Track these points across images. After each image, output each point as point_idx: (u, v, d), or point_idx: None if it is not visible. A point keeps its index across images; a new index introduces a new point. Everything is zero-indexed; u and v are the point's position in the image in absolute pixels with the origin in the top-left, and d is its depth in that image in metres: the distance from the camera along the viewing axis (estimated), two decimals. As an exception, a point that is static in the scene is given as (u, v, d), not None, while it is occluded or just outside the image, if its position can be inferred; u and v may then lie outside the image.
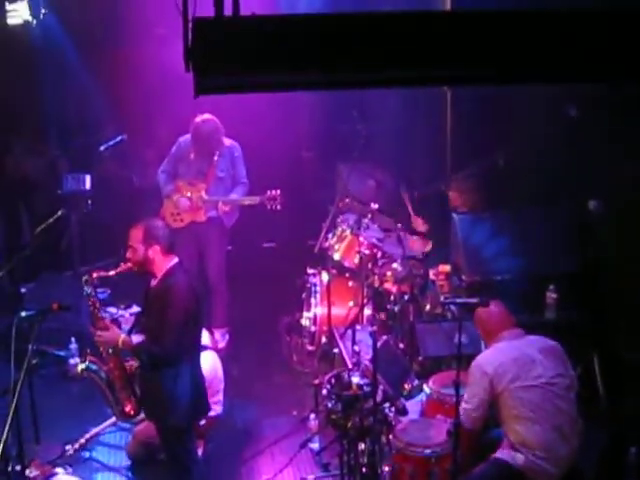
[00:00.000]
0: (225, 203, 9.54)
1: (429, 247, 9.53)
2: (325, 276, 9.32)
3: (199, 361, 6.78)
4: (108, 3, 11.97)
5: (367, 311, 9.03)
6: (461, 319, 6.25)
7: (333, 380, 7.09)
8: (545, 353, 6.29)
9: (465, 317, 6.46)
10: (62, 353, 9.46)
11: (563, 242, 8.49)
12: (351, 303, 9.26)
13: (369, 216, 9.63)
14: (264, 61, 3.86)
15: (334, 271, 9.57)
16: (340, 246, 9.51)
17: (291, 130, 12.69)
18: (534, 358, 6.22)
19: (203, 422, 7.31)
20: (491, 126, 9.46)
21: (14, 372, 5.95)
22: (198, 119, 9.42)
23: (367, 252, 9.26)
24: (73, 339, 9.42)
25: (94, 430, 8.18)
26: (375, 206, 9.67)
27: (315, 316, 9.33)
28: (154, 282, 6.61)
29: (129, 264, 6.62)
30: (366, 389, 6.77)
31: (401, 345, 8.69)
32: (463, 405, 6.21)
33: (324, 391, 7.33)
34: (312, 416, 8.03)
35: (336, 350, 8.51)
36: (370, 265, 9.28)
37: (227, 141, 9.66)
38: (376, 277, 9.25)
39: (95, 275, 6.74)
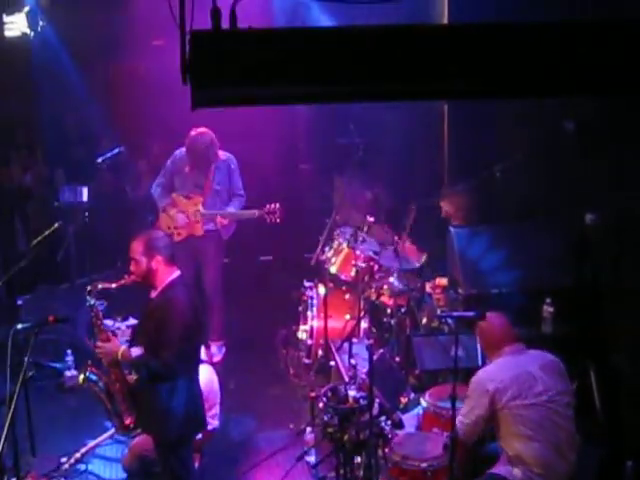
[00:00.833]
0: (224, 217, 9.53)
1: (424, 258, 9.53)
2: (322, 289, 9.32)
3: (197, 376, 6.76)
4: (105, 16, 12.01)
5: (364, 324, 9.03)
6: (458, 332, 6.24)
7: (329, 393, 7.07)
8: (545, 370, 6.26)
9: (462, 330, 6.45)
10: (58, 365, 9.45)
11: (560, 255, 8.48)
12: (348, 316, 9.26)
13: (365, 229, 9.64)
14: (261, 74, 3.86)
15: (331, 284, 9.59)
16: (337, 259, 9.52)
17: (288, 143, 12.73)
18: (535, 375, 6.19)
19: (199, 435, 7.29)
20: (488, 139, 9.47)
21: (10, 384, 5.94)
22: (193, 133, 9.42)
23: (364, 265, 9.29)
24: (69, 351, 9.41)
25: (90, 444, 8.17)
26: (371, 219, 9.67)
27: (312, 329, 9.32)
28: (154, 294, 6.60)
29: (133, 276, 6.61)
30: (362, 402, 6.77)
31: (397, 358, 8.68)
32: (460, 419, 6.20)
33: (320, 404, 7.33)
34: (308, 429, 8.00)
35: (332, 363, 8.50)
36: (367, 278, 9.30)
37: (223, 154, 9.66)
38: (373, 290, 9.27)
39: (100, 286, 6.74)
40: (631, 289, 7.73)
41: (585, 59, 3.99)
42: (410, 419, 7.37)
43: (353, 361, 7.49)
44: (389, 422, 6.94)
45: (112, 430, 7.91)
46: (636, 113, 7.14)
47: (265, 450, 8.24)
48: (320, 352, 9.21)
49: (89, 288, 6.74)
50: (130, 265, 6.60)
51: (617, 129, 7.73)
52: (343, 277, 9.51)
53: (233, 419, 8.71)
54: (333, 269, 9.49)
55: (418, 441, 6.75)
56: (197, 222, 9.57)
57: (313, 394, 8.11)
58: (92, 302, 6.72)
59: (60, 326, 8.09)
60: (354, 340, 8.20)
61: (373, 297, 9.26)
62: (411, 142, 11.69)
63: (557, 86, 4.18)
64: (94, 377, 6.81)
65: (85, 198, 11.50)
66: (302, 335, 9.56)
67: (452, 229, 8.79)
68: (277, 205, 9.40)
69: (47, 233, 8.76)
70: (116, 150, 12.01)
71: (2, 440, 5.61)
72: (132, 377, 6.75)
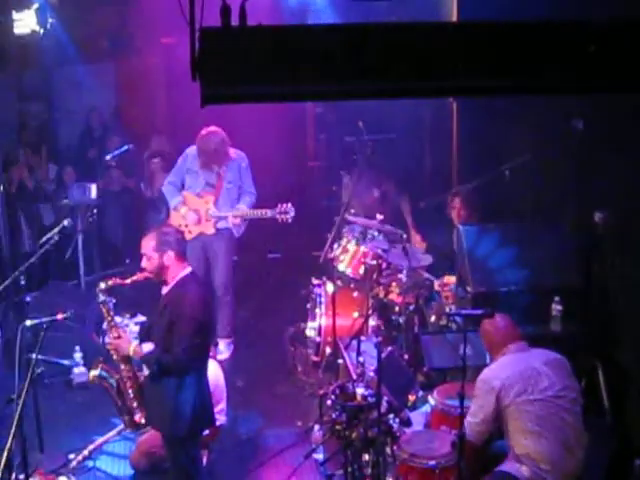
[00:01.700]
0: (236, 216, 9.52)
1: (429, 261, 9.51)
2: (330, 287, 9.30)
3: (206, 372, 6.77)
4: (115, 13, 12.03)
5: (372, 322, 9.02)
6: (466, 330, 6.23)
7: (337, 391, 7.08)
8: (550, 366, 6.26)
9: (470, 328, 6.44)
10: (66, 362, 9.45)
11: (569, 254, 8.47)
12: (356, 314, 9.25)
13: (374, 227, 9.62)
14: (271, 71, 3.86)
15: (339, 282, 9.57)
16: (345, 257, 9.50)
17: (297, 140, 12.73)
18: (540, 371, 6.19)
19: (207, 432, 7.30)
20: (497, 137, 9.46)
21: (18, 381, 5.95)
22: (205, 131, 9.40)
23: (372, 263, 9.27)
24: (78, 348, 9.43)
25: (98, 441, 8.18)
26: (380, 217, 9.66)
27: (320, 327, 9.32)
28: (165, 290, 6.61)
29: (145, 273, 6.62)
30: (370, 400, 6.77)
31: (406, 356, 8.67)
32: (468, 419, 6.19)
33: (328, 402, 7.33)
34: (316, 427, 8.00)
35: (341, 361, 8.49)
36: (375, 276, 9.28)
37: (234, 152, 9.64)
38: (381, 288, 9.25)
39: (111, 283, 6.75)
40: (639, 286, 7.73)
41: (596, 57, 3.98)
42: (418, 417, 7.36)
43: (361, 359, 7.48)
44: (397, 420, 6.94)
45: (120, 427, 7.94)
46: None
47: (273, 447, 8.24)
48: (328, 350, 9.20)
49: (101, 285, 6.76)
50: (142, 261, 6.61)
51: (626, 127, 7.71)
52: (351, 275, 9.49)
53: (241, 416, 8.72)
54: (341, 267, 9.47)
55: (426, 439, 6.73)
56: (208, 221, 9.57)
57: (321, 392, 8.11)
58: (103, 298, 6.73)
59: (69, 323, 8.10)
60: (362, 338, 8.17)
61: (381, 295, 9.24)
62: (420, 140, 11.70)
63: (568, 84, 4.18)
64: (105, 373, 6.83)
65: (94, 196, 11.51)
66: (310, 333, 9.55)
67: (461, 227, 8.77)
68: (289, 205, 9.38)
69: (56, 231, 8.77)
70: (125, 147, 12.02)
71: (11, 436, 5.63)
72: (142, 374, 6.77)
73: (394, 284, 9.26)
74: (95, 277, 11.23)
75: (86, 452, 8.00)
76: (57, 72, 12.12)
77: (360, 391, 6.91)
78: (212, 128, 9.40)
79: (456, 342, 7.80)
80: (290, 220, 9.41)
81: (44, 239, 8.88)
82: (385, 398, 6.85)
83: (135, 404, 6.80)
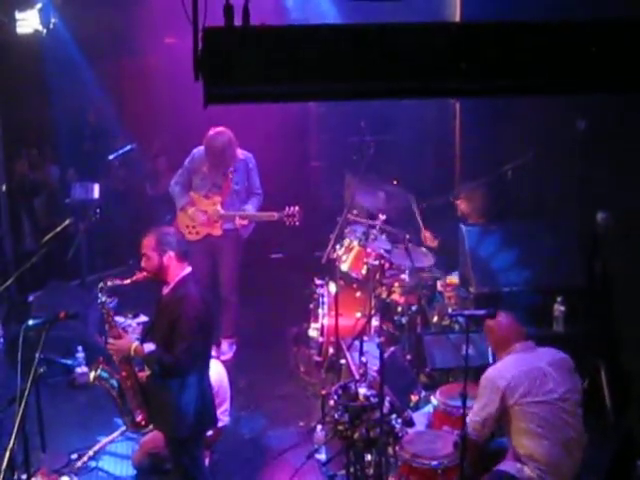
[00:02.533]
0: (242, 217, 9.49)
1: (431, 262, 9.51)
2: (333, 287, 9.29)
3: (208, 372, 6.77)
4: (118, 12, 12.03)
5: (374, 322, 9.02)
6: (468, 331, 6.23)
7: (340, 391, 7.07)
8: (555, 367, 6.25)
9: (472, 329, 6.44)
10: (69, 362, 9.45)
11: (571, 254, 8.48)
12: (358, 314, 9.24)
13: (377, 227, 9.62)
14: (274, 71, 3.86)
15: (342, 282, 9.56)
16: (348, 257, 9.50)
17: (300, 140, 12.71)
18: (545, 372, 6.18)
19: (210, 432, 7.30)
20: (499, 138, 9.47)
21: (21, 381, 5.95)
22: (212, 132, 9.32)
23: (375, 263, 9.26)
24: (80, 348, 9.43)
25: (103, 441, 8.17)
26: (383, 217, 9.65)
27: (322, 327, 9.31)
28: (166, 290, 6.60)
29: (144, 273, 6.61)
30: (373, 400, 6.77)
31: (408, 356, 8.67)
32: (471, 417, 6.19)
33: (331, 402, 7.34)
34: (319, 427, 8.00)
35: (343, 361, 8.47)
36: (378, 276, 9.28)
37: (241, 153, 9.59)
38: (384, 288, 9.25)
39: (110, 283, 6.73)
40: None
41: (598, 57, 3.97)
42: (421, 417, 7.37)
43: (364, 359, 7.47)
44: (399, 420, 6.93)
45: (123, 427, 7.93)
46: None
47: (275, 448, 8.24)
48: (331, 350, 9.19)
49: (101, 285, 6.74)
50: (142, 261, 6.60)
51: (628, 128, 7.71)
52: (354, 275, 9.49)
53: (243, 417, 8.73)
54: (344, 267, 9.47)
55: (429, 439, 6.74)
56: (216, 221, 9.54)
57: (324, 392, 8.13)
58: (103, 299, 6.72)
59: (71, 323, 8.11)
60: (365, 338, 8.17)
61: (384, 295, 9.23)
62: (422, 140, 11.70)
63: (572, 84, 4.17)
64: (106, 374, 6.81)
65: (96, 195, 11.50)
66: (313, 333, 9.54)
67: (463, 227, 8.77)
68: (297, 208, 9.33)
69: (58, 230, 8.77)
70: (127, 147, 12.03)
71: (13, 436, 5.62)
72: (143, 374, 6.76)
73: (397, 284, 9.27)
74: (97, 277, 11.22)
75: (91, 452, 8.01)
76: (60, 72, 12.09)
77: (362, 391, 6.91)
78: (220, 128, 9.31)
79: (458, 343, 7.81)
80: (298, 224, 9.37)
81: (46, 238, 8.88)
82: (387, 398, 6.85)
83: (136, 404, 6.78)
